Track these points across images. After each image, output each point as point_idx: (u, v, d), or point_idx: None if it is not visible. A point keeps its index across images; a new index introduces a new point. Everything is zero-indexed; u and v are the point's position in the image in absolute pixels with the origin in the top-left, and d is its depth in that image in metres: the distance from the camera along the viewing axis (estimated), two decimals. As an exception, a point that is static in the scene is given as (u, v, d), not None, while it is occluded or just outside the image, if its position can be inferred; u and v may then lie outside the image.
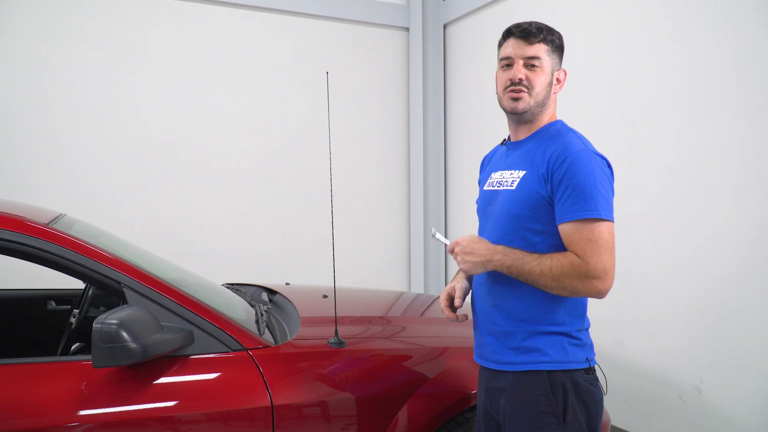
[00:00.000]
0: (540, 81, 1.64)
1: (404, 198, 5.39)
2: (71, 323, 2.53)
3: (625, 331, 3.52)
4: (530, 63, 1.64)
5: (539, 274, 1.52)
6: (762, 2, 2.89)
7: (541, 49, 1.64)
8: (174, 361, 1.75)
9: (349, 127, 5.04)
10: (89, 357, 1.65)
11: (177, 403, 1.71)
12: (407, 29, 5.37)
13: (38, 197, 3.51)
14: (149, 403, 1.68)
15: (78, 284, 3.03)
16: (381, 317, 2.42)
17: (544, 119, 1.70)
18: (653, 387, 3.33)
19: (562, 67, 1.72)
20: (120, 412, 1.66)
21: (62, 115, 4.14)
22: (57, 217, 2.02)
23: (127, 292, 1.78)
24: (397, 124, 5.34)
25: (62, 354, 2.40)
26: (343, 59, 5.09)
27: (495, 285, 1.65)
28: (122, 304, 1.84)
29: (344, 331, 2.02)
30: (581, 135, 1.68)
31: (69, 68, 4.15)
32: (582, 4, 3.94)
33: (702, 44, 3.12)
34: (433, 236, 1.77)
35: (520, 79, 1.63)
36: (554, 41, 1.70)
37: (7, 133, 4.00)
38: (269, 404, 1.76)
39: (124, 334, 1.57)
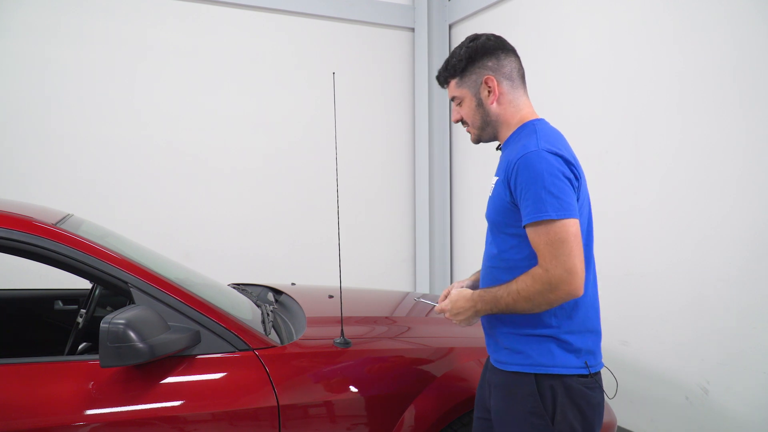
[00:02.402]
0: (468, 114, 1.69)
1: (409, 198, 5.39)
2: (78, 323, 2.54)
3: (630, 332, 3.51)
4: (456, 103, 1.72)
5: (514, 302, 1.52)
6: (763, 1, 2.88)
7: (452, 87, 1.71)
8: (181, 360, 1.76)
9: (355, 127, 5.04)
10: (96, 357, 1.65)
11: (183, 403, 1.71)
12: (412, 29, 5.38)
13: (44, 199, 3.53)
14: (156, 402, 1.68)
15: (85, 284, 3.05)
16: (386, 317, 2.42)
17: (508, 127, 1.69)
18: (659, 387, 3.32)
19: (486, 73, 1.66)
20: (127, 411, 1.66)
21: (68, 116, 4.16)
22: (64, 218, 2.03)
23: (134, 292, 1.79)
24: (402, 125, 5.35)
25: (69, 354, 2.41)
26: (348, 60, 5.09)
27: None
28: (129, 304, 1.84)
29: (350, 331, 2.03)
30: (547, 133, 1.62)
31: (75, 69, 4.17)
32: (586, 2, 3.93)
33: (707, 41, 3.11)
34: (419, 300, 1.82)
35: (457, 121, 1.73)
36: (456, 67, 1.69)
37: (14, 134, 4.02)
38: (275, 404, 1.76)
39: (132, 334, 1.57)
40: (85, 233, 1.91)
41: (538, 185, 1.48)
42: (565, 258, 1.45)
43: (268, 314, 2.23)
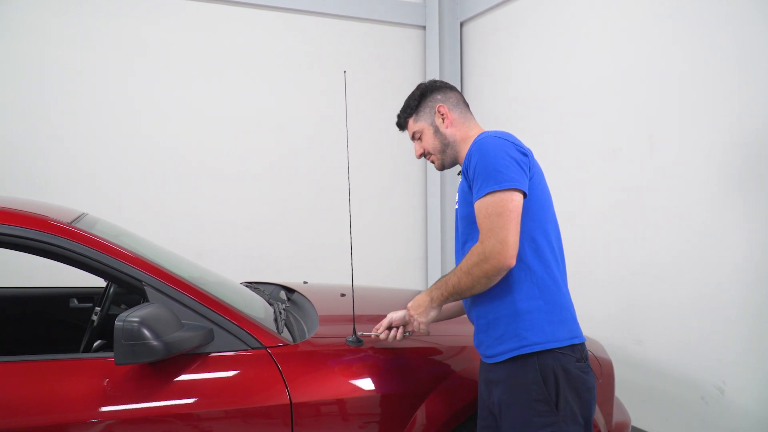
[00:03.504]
0: (428, 143, 1.89)
1: (421, 196, 5.38)
2: (93, 321, 2.56)
3: (645, 331, 3.48)
4: (416, 138, 1.93)
5: (458, 280, 1.63)
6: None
7: (410, 125, 1.93)
8: (194, 358, 1.76)
9: (366, 125, 5.04)
10: (111, 354, 1.66)
11: (197, 400, 1.72)
12: (424, 27, 5.36)
13: (58, 197, 3.57)
14: (170, 399, 1.69)
15: (100, 282, 3.07)
16: None
17: (465, 144, 1.85)
18: (674, 387, 3.29)
19: (438, 103, 1.88)
20: (142, 408, 1.67)
21: (80, 116, 4.20)
22: (79, 216, 2.05)
23: (148, 290, 1.79)
24: (413, 123, 5.31)
25: (84, 351, 2.43)
26: (359, 58, 5.10)
27: None
28: (143, 302, 1.85)
29: (362, 329, 2.02)
30: (495, 131, 1.74)
31: (88, 70, 4.21)
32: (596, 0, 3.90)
33: (722, 39, 3.07)
34: (371, 335, 1.91)
35: (420, 155, 1.93)
36: (411, 106, 1.93)
37: (29, 132, 4.06)
38: (288, 402, 1.77)
39: (146, 332, 1.58)
40: (100, 232, 1.92)
41: (482, 165, 1.60)
42: (499, 229, 1.53)
43: (280, 312, 2.24)
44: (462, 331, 2.14)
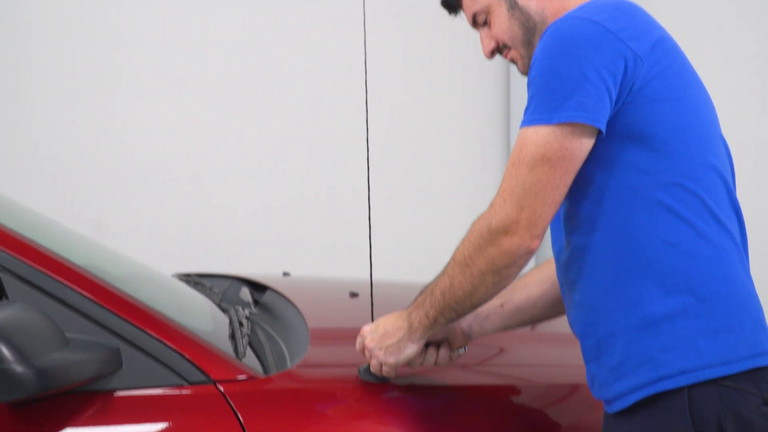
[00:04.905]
0: (502, 26, 1.24)
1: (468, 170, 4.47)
2: None
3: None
4: (480, 23, 1.29)
5: (449, 285, 1.13)
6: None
7: (468, 3, 1.28)
8: (89, 398, 1.21)
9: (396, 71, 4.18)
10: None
11: None
12: None
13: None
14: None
15: None
16: None
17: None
18: None
19: None
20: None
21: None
22: None
23: (7, 281, 1.21)
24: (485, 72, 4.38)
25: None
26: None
27: (566, 275, 1.18)
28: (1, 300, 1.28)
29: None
30: (596, 4, 1.14)
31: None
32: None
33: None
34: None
35: (493, 51, 1.29)
36: None
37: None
38: None
39: (3, 350, 1.08)
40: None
41: (544, 69, 1.07)
42: (526, 193, 1.05)
43: (241, 324, 1.57)
44: (571, 357, 1.47)
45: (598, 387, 1.13)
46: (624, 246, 1.06)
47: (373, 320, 1.32)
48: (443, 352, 1.27)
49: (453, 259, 1.14)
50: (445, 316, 1.15)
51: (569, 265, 1.16)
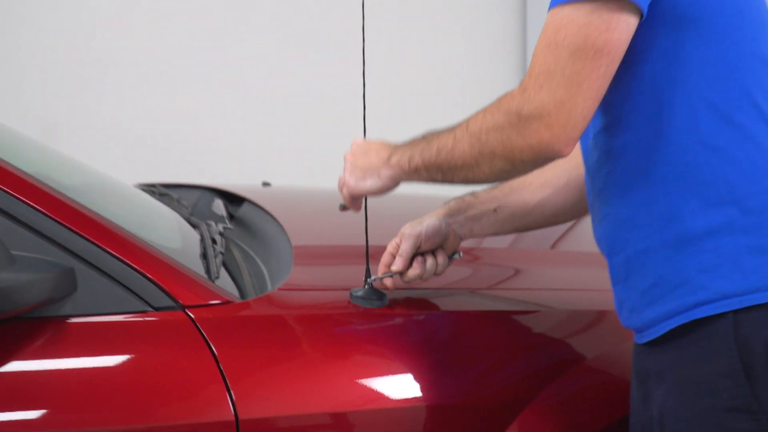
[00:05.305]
0: None
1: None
2: None
3: None
4: None
5: (451, 146, 1.02)
6: None
7: None
8: (38, 326, 1.10)
9: None
10: None
11: (46, 413, 1.07)
12: None
13: None
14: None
15: None
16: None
17: None
18: None
19: None
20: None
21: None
22: None
23: None
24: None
25: None
26: None
27: (593, 182, 1.08)
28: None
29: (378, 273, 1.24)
30: None
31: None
32: None
33: None
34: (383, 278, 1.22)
35: None
36: None
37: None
38: (232, 417, 1.05)
39: None
40: None
41: None
42: (565, 78, 0.92)
43: (214, 241, 1.46)
44: (598, 280, 1.36)
45: (627, 313, 1.05)
46: (659, 150, 0.96)
47: (367, 238, 1.24)
48: (441, 258, 1.21)
49: (467, 124, 1.01)
50: (429, 173, 1.06)
51: (597, 171, 1.06)
